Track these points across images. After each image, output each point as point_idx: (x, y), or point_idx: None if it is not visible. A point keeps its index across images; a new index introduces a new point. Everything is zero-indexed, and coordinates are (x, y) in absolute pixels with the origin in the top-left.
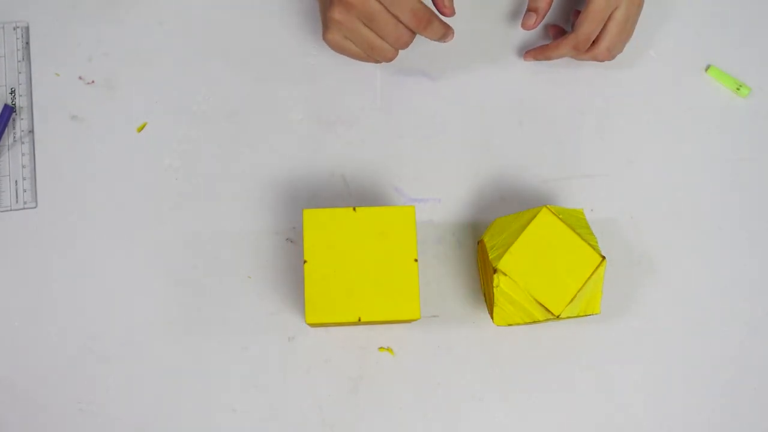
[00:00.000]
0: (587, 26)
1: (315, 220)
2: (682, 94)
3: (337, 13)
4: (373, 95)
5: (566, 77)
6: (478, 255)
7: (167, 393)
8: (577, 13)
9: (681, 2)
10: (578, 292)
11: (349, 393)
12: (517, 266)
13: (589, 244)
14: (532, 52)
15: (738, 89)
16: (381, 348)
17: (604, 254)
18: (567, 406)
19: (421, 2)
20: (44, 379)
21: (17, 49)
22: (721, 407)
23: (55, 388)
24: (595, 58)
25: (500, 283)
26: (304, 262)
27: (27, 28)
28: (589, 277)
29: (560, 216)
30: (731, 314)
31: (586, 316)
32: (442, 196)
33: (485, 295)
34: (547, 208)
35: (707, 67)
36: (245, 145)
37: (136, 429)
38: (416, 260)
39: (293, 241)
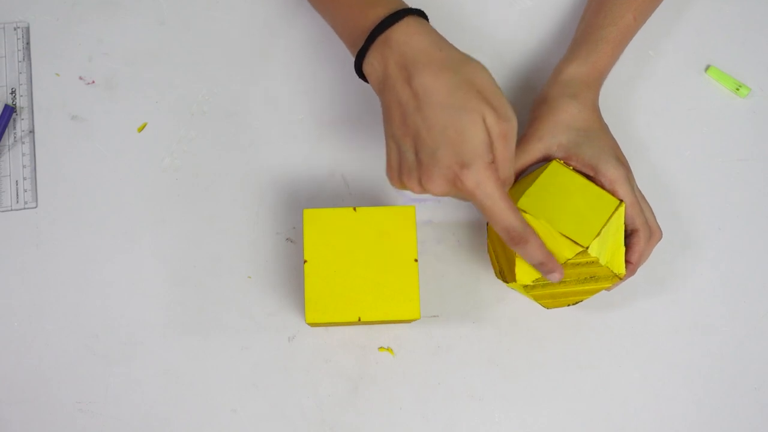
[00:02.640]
0: (641, 217)
1: (315, 220)
2: (682, 94)
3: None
4: (373, 95)
5: None
6: (489, 235)
7: (167, 393)
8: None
9: (681, 2)
10: (603, 227)
11: (349, 393)
12: (537, 204)
13: (605, 190)
14: None
15: (737, 89)
16: (381, 348)
17: None
18: (567, 406)
19: (520, 218)
20: (44, 379)
21: (18, 50)
22: (721, 407)
23: (55, 388)
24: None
25: None
26: (304, 262)
27: (27, 29)
28: (610, 216)
29: (570, 167)
30: (731, 314)
31: (612, 281)
32: None
33: (502, 272)
34: (557, 160)
35: (707, 67)
36: (245, 145)
37: (136, 429)
38: (416, 260)
39: (293, 241)
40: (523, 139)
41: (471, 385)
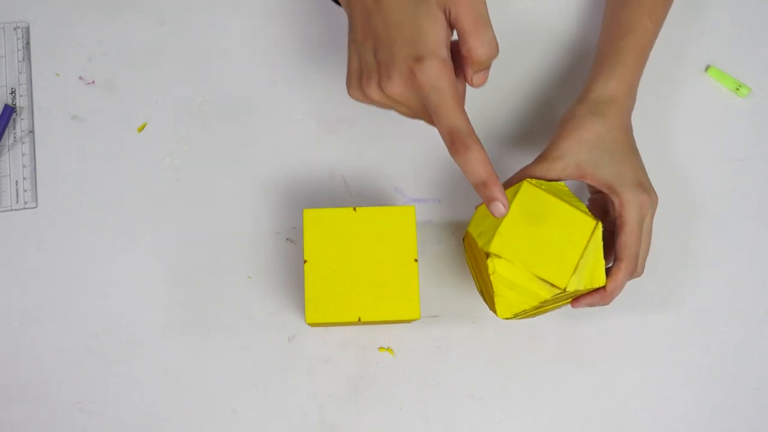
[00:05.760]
0: (634, 249)
1: (315, 220)
2: (682, 94)
3: (358, 93)
4: None
5: (566, 79)
6: (466, 252)
7: (167, 393)
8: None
9: (681, 3)
10: (580, 260)
11: (349, 393)
12: (510, 245)
13: (580, 210)
14: (582, 300)
15: (738, 89)
16: (381, 348)
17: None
18: (567, 406)
19: (467, 122)
20: (44, 379)
21: (17, 49)
22: (721, 407)
23: (55, 388)
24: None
25: (496, 267)
26: (304, 262)
27: (27, 28)
28: (587, 243)
29: (543, 187)
30: (731, 314)
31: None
32: (442, 196)
33: (482, 293)
34: (528, 181)
35: (707, 67)
36: (245, 145)
37: (136, 429)
38: (416, 260)
39: (293, 241)
40: (543, 155)
41: (471, 385)
